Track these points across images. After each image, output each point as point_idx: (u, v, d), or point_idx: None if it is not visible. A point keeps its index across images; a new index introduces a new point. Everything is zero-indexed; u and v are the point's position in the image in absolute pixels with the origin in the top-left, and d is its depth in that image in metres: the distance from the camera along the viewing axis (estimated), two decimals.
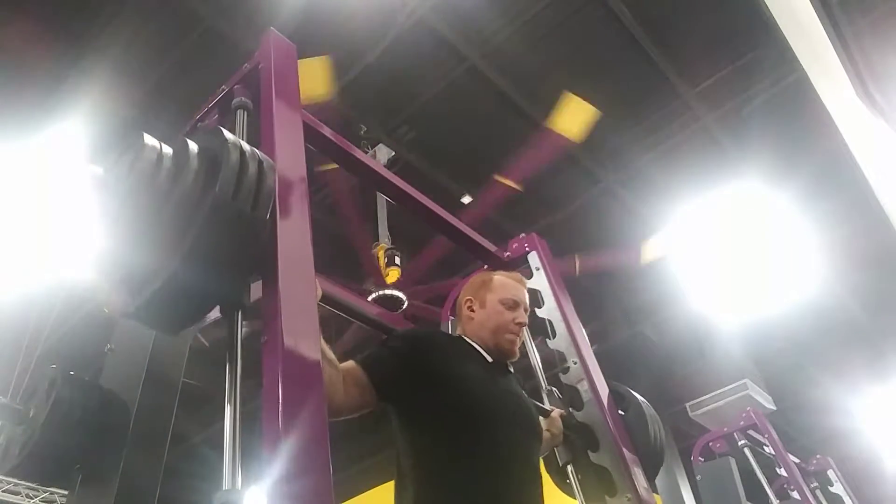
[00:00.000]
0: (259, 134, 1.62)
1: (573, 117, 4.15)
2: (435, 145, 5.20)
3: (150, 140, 1.32)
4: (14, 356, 5.71)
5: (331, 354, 1.54)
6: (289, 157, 1.55)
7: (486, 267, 2.66)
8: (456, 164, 5.29)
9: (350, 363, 1.63)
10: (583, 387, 2.23)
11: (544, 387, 2.30)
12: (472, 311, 1.91)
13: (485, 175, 5.47)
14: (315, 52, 3.75)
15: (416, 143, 5.14)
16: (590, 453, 2.11)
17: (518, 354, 1.92)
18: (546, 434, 2.01)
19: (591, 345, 2.41)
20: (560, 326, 2.39)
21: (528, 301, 1.98)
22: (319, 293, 1.49)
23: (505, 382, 1.84)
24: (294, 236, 1.40)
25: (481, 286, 1.95)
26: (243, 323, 1.29)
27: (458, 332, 1.95)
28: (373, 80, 4.62)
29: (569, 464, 2.13)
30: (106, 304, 1.34)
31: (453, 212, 2.52)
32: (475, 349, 1.86)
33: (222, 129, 1.37)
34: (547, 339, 2.40)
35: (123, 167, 1.33)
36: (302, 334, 1.26)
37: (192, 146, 1.31)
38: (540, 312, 2.46)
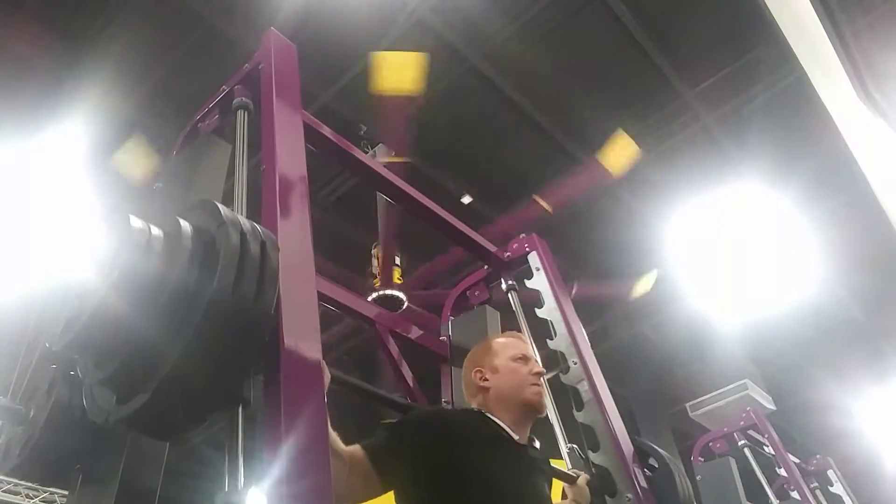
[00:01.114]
0: (259, 134, 1.62)
1: (620, 154, 4.26)
2: (435, 145, 5.20)
3: (136, 223, 1.15)
4: (14, 356, 5.70)
5: (339, 447, 1.45)
6: (289, 158, 1.55)
7: (485, 267, 2.66)
8: (456, 164, 5.29)
9: (355, 449, 1.50)
10: (583, 387, 2.23)
11: (565, 445, 2.16)
12: (486, 380, 1.78)
13: (485, 175, 5.48)
14: (315, 52, 3.75)
15: (416, 143, 5.14)
16: (590, 453, 2.11)
17: (546, 409, 1.86)
18: None
19: (592, 345, 2.41)
20: (560, 327, 2.39)
21: (535, 354, 1.91)
22: (328, 380, 1.36)
23: (528, 473, 1.70)
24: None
25: (485, 354, 1.85)
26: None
27: (476, 406, 1.79)
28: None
29: None
30: (88, 408, 1.18)
31: (454, 212, 2.52)
32: (499, 427, 1.71)
33: (217, 204, 1.21)
34: (547, 340, 2.40)
35: (109, 254, 1.15)
36: (302, 333, 1.25)
37: (185, 227, 1.16)
38: (540, 313, 2.46)
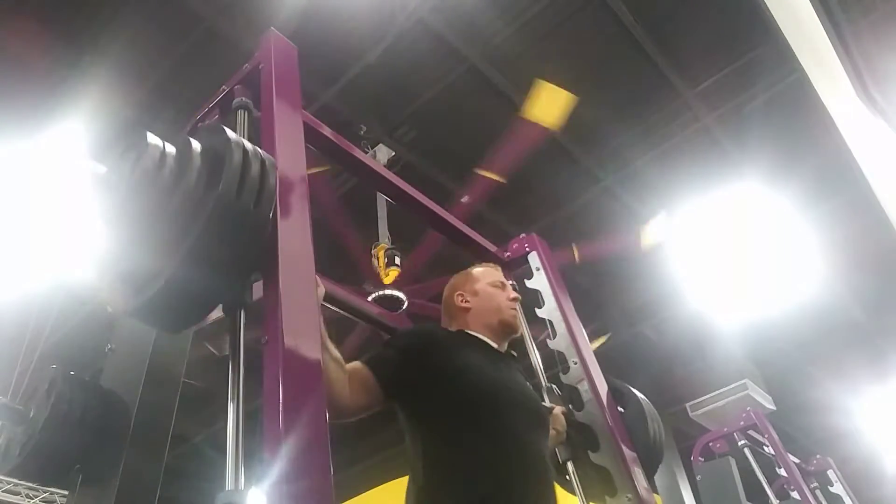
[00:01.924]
0: (259, 134, 1.62)
1: (549, 104, 4.12)
2: (435, 145, 5.20)
3: (153, 139, 1.32)
4: (14, 356, 5.71)
5: (337, 354, 1.55)
6: (289, 158, 1.55)
7: None
8: (456, 164, 5.29)
9: (356, 364, 1.64)
10: (583, 387, 2.23)
11: (544, 384, 2.31)
12: (467, 301, 1.98)
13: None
14: (315, 52, 3.75)
15: (416, 143, 5.14)
16: (590, 453, 2.11)
17: (521, 328, 2.05)
18: (551, 432, 2.01)
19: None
20: (560, 326, 2.39)
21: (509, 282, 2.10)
22: (322, 291, 1.51)
23: (511, 371, 1.88)
24: (295, 235, 1.40)
25: (466, 280, 2.05)
26: (246, 324, 1.29)
27: (456, 327, 1.97)
28: (373, 80, 4.62)
29: (569, 461, 2.13)
30: (108, 303, 1.35)
31: (453, 211, 2.52)
32: (478, 338, 1.91)
33: (224, 127, 1.37)
34: (547, 339, 2.40)
35: (126, 166, 1.33)
36: (302, 333, 1.26)
37: (195, 145, 1.31)
38: (540, 312, 2.46)
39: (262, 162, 1.32)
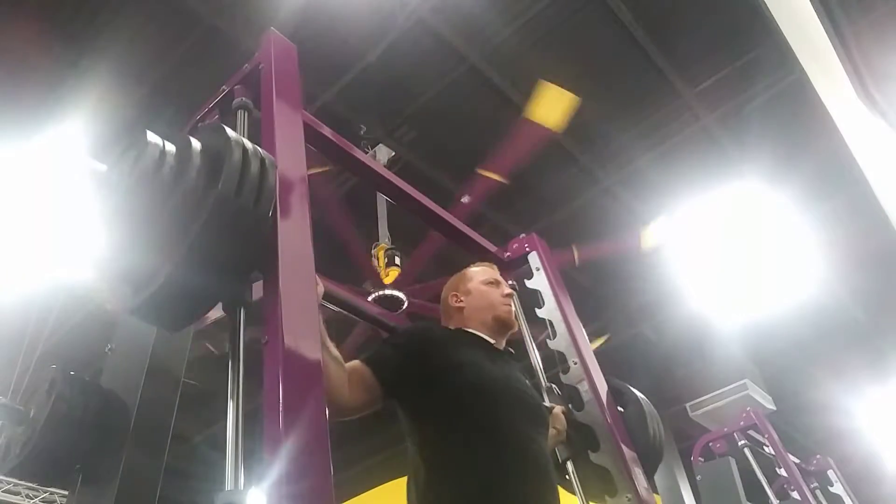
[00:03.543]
0: (259, 134, 1.62)
1: (552, 106, 4.12)
2: (435, 145, 5.20)
3: (153, 137, 1.32)
4: (14, 356, 5.71)
5: (336, 353, 1.56)
6: (289, 158, 1.55)
7: None
8: (456, 165, 5.29)
9: (355, 362, 1.65)
10: (583, 387, 2.23)
11: (544, 384, 2.31)
12: (461, 301, 1.99)
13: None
14: (315, 52, 3.75)
15: (416, 143, 5.14)
16: (590, 453, 2.11)
17: (516, 325, 2.04)
18: (551, 431, 2.02)
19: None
20: (560, 326, 2.39)
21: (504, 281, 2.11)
22: (321, 290, 1.51)
23: (510, 369, 1.89)
24: (295, 234, 1.40)
25: (460, 280, 2.07)
26: (245, 324, 1.29)
27: (453, 327, 1.98)
28: (373, 80, 4.61)
29: (568, 460, 2.13)
30: (108, 301, 1.36)
31: (453, 211, 2.52)
32: (477, 335, 1.92)
33: (224, 126, 1.37)
34: (547, 340, 2.40)
35: (126, 164, 1.33)
36: (302, 333, 1.26)
37: (195, 143, 1.32)
38: (540, 312, 2.46)
39: (262, 161, 1.32)
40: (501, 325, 1.96)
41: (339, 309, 2.08)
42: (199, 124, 1.94)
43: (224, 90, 1.85)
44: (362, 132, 4.96)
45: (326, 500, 1.10)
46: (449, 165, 5.30)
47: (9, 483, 6.42)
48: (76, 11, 4.13)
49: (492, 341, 1.92)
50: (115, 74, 4.33)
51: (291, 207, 1.44)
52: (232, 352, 1.26)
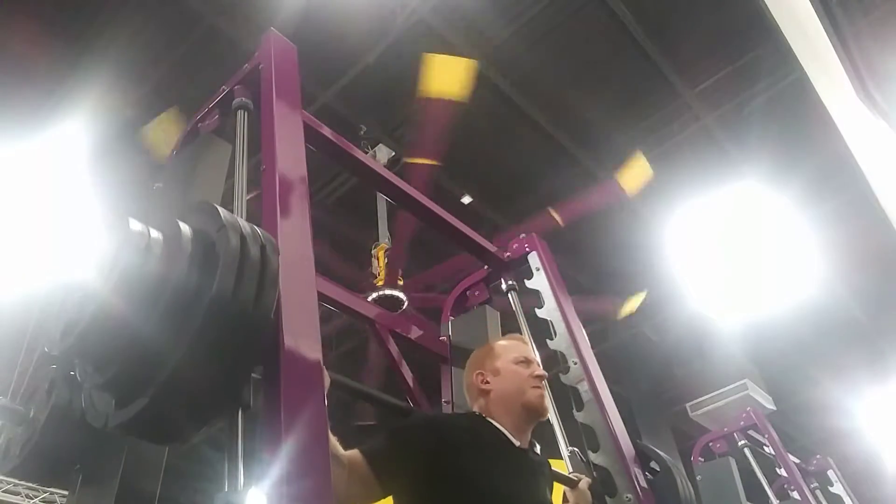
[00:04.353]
0: (259, 134, 1.62)
1: (635, 175, 4.30)
2: None
3: (136, 225, 1.15)
4: (14, 356, 5.70)
5: (338, 451, 1.44)
6: (289, 158, 1.55)
7: (485, 267, 2.66)
8: (456, 164, 5.29)
9: (355, 455, 1.50)
10: (583, 387, 2.22)
11: (566, 448, 2.16)
12: (488, 383, 1.77)
13: (485, 175, 5.47)
14: (315, 52, 3.75)
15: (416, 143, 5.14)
16: (590, 453, 2.11)
17: (548, 412, 1.84)
18: None
19: (592, 345, 2.41)
20: (560, 327, 2.38)
21: (538, 356, 1.90)
22: (328, 383, 1.36)
23: (529, 478, 1.68)
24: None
25: (486, 357, 1.83)
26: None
27: (477, 409, 1.78)
28: (373, 80, 4.62)
29: None
30: (87, 413, 1.18)
31: (454, 212, 2.52)
32: (500, 433, 1.69)
33: (217, 207, 1.20)
34: (547, 340, 2.40)
35: (109, 254, 1.14)
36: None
37: (185, 230, 1.15)
38: (540, 313, 2.46)
39: (262, 247, 1.16)
40: (531, 413, 1.74)
41: (336, 310, 2.07)
42: (200, 124, 1.94)
43: (224, 90, 1.85)
44: (362, 132, 4.96)
45: (326, 500, 1.10)
46: (448, 165, 5.30)
47: (9, 483, 6.42)
48: (76, 11, 4.13)
49: (515, 441, 1.69)
50: (115, 74, 4.34)
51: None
52: (229, 458, 1.11)
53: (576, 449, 2.11)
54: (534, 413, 1.74)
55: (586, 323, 2.57)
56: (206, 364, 1.07)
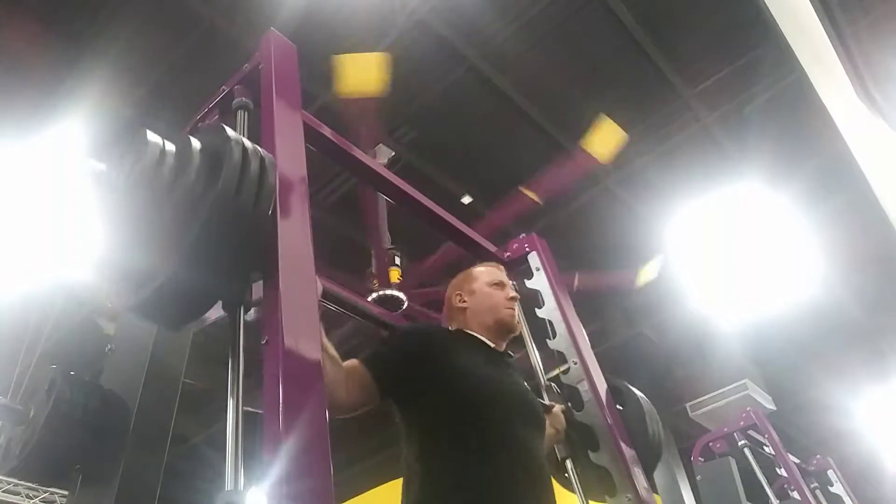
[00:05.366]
0: (259, 134, 1.62)
1: (605, 140, 4.17)
2: (435, 145, 5.20)
3: (152, 137, 1.32)
4: (14, 356, 5.71)
5: (333, 352, 1.56)
6: (289, 158, 1.55)
7: None
8: (456, 165, 5.29)
9: (353, 361, 1.64)
10: (583, 387, 2.23)
11: (543, 382, 2.31)
12: (464, 301, 1.97)
13: (485, 175, 5.47)
14: (315, 52, 3.75)
15: (416, 143, 5.14)
16: (590, 453, 2.11)
17: (518, 329, 2.00)
18: (550, 430, 2.01)
19: (592, 345, 2.41)
20: (560, 327, 2.39)
21: (510, 283, 2.08)
22: (320, 290, 1.51)
23: (508, 372, 1.88)
24: (295, 234, 1.40)
25: (465, 279, 2.04)
26: (245, 322, 1.29)
27: (455, 326, 1.97)
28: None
29: (567, 459, 2.14)
30: (108, 299, 1.37)
31: (454, 212, 2.52)
32: (477, 338, 1.90)
33: (224, 126, 1.37)
34: (547, 340, 2.40)
35: (126, 164, 1.33)
36: (302, 333, 1.25)
37: (195, 143, 1.31)
38: (540, 313, 2.46)
39: (262, 160, 1.32)
40: (503, 328, 1.94)
41: (339, 309, 2.08)
42: (200, 124, 1.94)
43: (224, 90, 1.85)
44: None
45: (326, 500, 1.10)
46: (449, 165, 5.30)
47: (9, 483, 6.42)
48: (76, 11, 4.13)
49: (492, 345, 1.91)
50: (115, 74, 4.33)
51: (291, 207, 1.43)
52: (231, 351, 1.25)
53: (553, 384, 2.28)
54: (506, 328, 1.94)
55: (586, 323, 2.57)
56: (211, 254, 1.22)
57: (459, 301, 1.98)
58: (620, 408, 2.26)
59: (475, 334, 1.91)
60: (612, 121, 4.13)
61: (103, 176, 1.41)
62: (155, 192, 1.27)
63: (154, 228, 1.26)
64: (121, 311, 1.65)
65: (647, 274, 5.46)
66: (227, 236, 1.23)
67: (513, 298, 1.98)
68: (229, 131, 1.34)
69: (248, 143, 1.33)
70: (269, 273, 1.31)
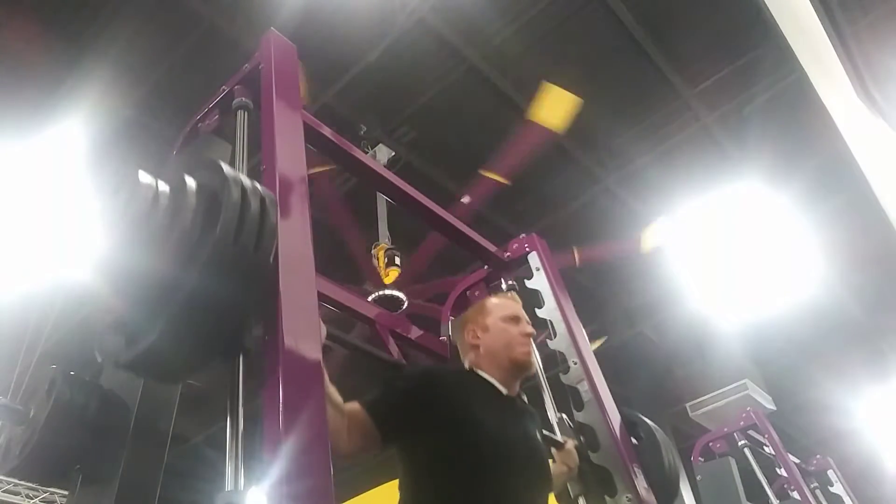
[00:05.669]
0: (259, 134, 1.62)
1: (554, 108, 4.08)
2: (435, 145, 5.20)
3: (145, 178, 1.24)
4: (14, 356, 5.71)
5: (337, 398, 1.49)
6: (289, 158, 1.55)
7: (485, 266, 2.66)
8: (456, 165, 5.29)
9: (355, 406, 1.56)
10: (583, 387, 2.22)
11: (555, 415, 2.22)
12: (478, 338, 1.86)
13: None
14: (315, 52, 3.75)
15: (416, 143, 5.14)
16: (590, 453, 2.11)
17: (534, 367, 1.91)
18: (562, 468, 1.97)
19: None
20: (560, 327, 2.38)
21: (526, 315, 1.96)
22: (324, 333, 1.44)
23: (519, 421, 1.78)
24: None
25: (478, 313, 1.92)
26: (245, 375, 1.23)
27: (468, 364, 1.87)
28: (373, 80, 4.62)
29: (580, 496, 2.07)
30: (98, 352, 1.26)
31: (453, 212, 2.52)
32: (489, 383, 1.79)
33: (221, 163, 1.29)
34: (547, 340, 2.39)
35: (118, 207, 1.25)
36: (302, 333, 1.25)
37: (190, 183, 1.24)
38: (540, 313, 2.46)
39: (262, 200, 1.24)
40: (517, 368, 1.82)
41: (337, 310, 2.07)
42: (199, 124, 1.94)
43: (224, 90, 1.85)
44: (362, 132, 4.96)
45: (326, 500, 1.10)
46: (449, 165, 5.30)
47: (9, 483, 6.42)
48: (76, 11, 4.13)
49: (503, 390, 1.79)
50: (115, 75, 4.33)
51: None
52: (231, 398, 1.19)
53: (564, 415, 2.20)
54: (520, 368, 1.83)
55: (586, 323, 2.57)
56: (209, 304, 1.15)
57: (472, 337, 1.86)
58: (635, 441, 2.20)
59: (486, 377, 1.80)
60: (558, 87, 4.07)
61: (94, 218, 1.31)
62: (148, 237, 1.19)
63: (147, 278, 1.18)
64: (110, 369, 1.51)
65: (651, 238, 5.40)
66: (225, 285, 1.16)
67: (528, 335, 1.86)
68: (227, 168, 1.25)
69: (246, 181, 1.25)
70: (270, 318, 1.25)
